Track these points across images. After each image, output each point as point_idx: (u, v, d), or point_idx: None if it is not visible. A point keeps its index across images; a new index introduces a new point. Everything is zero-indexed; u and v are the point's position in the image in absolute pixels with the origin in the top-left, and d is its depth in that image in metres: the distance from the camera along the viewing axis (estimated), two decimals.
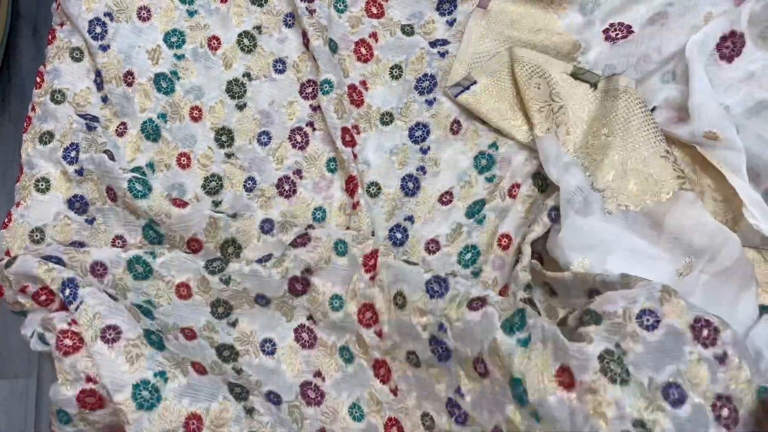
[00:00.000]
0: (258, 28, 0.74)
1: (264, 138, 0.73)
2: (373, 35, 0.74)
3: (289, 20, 0.74)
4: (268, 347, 0.66)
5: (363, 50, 0.74)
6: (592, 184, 0.61)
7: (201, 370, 0.59)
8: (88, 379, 0.56)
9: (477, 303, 0.57)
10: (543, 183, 0.68)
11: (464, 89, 0.71)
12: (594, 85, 0.65)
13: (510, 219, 0.68)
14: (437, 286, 0.61)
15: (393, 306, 0.63)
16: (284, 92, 0.74)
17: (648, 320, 0.50)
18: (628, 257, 0.59)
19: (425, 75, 0.74)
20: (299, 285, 0.66)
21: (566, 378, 0.50)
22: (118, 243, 0.67)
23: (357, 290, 0.66)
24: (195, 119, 0.72)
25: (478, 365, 0.56)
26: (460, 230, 0.70)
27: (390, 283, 0.64)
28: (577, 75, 0.66)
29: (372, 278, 0.65)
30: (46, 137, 0.69)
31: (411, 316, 0.62)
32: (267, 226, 0.67)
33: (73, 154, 0.68)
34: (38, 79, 0.71)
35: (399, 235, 0.71)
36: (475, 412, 0.57)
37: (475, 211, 0.70)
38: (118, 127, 0.70)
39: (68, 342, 0.56)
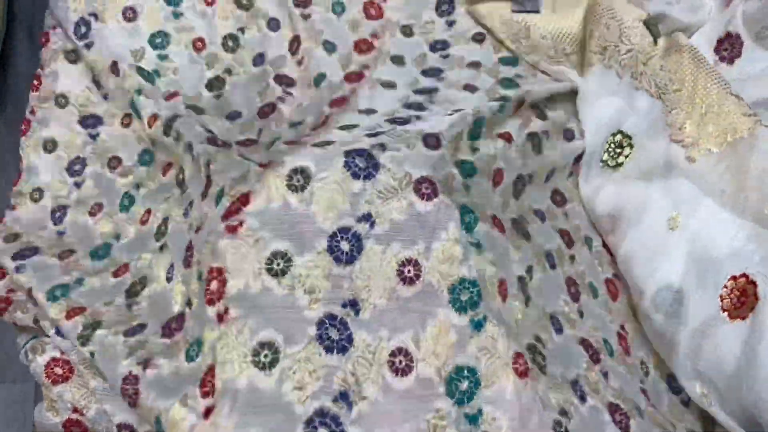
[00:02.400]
0: (242, 29, 0.74)
1: (233, 114, 0.70)
2: (374, 36, 0.74)
3: (273, 24, 0.74)
4: None
5: (363, 46, 0.73)
6: (671, 136, 0.60)
7: None
8: (75, 410, 0.56)
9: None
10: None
11: (524, 10, 0.71)
12: (655, 40, 0.64)
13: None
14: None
15: None
16: (258, 80, 0.72)
17: None
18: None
19: (437, 41, 0.75)
20: None
21: None
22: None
23: None
24: (170, 98, 0.70)
25: None
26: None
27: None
28: (648, 24, 0.65)
29: None
30: (50, 145, 0.69)
31: None
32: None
33: (77, 167, 0.69)
34: (35, 82, 0.71)
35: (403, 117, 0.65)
36: None
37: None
38: (123, 119, 0.70)
39: (59, 371, 0.57)
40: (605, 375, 0.58)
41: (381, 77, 0.69)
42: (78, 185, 0.69)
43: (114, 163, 0.70)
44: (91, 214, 0.68)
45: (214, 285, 0.52)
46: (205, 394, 0.50)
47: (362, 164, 0.54)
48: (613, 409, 0.56)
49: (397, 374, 0.51)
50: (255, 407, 0.49)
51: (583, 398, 0.55)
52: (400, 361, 0.51)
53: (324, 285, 0.52)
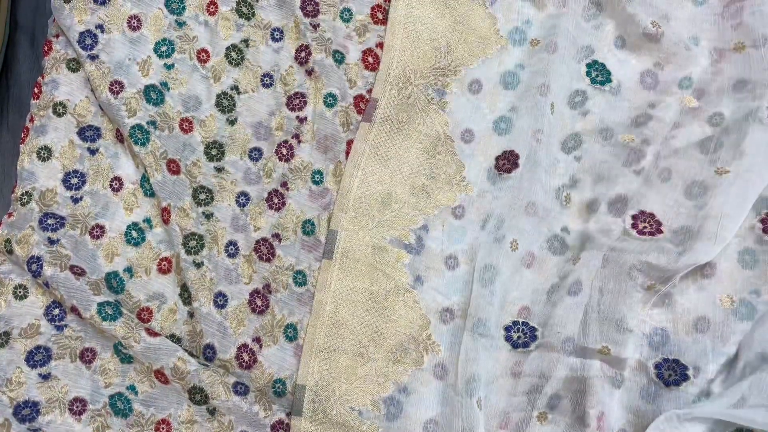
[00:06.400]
0: (245, 41, 0.74)
1: (255, 153, 0.73)
2: (380, 45, 0.74)
3: (277, 34, 0.74)
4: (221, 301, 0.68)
5: (370, 59, 0.74)
6: None
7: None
8: None
9: None
10: None
11: None
12: None
13: None
14: None
15: None
16: (271, 106, 0.73)
17: None
18: None
19: None
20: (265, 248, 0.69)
21: None
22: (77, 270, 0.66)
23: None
24: (185, 131, 0.71)
25: None
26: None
27: None
28: None
29: None
30: (44, 152, 0.69)
31: None
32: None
33: (74, 180, 0.69)
34: (36, 90, 0.71)
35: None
36: None
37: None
38: (116, 133, 0.70)
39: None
40: None
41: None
42: (75, 200, 0.68)
43: (116, 184, 0.70)
44: (92, 235, 0.68)
45: None
46: None
47: None
48: None
49: None
50: None
51: None
52: None
53: None
